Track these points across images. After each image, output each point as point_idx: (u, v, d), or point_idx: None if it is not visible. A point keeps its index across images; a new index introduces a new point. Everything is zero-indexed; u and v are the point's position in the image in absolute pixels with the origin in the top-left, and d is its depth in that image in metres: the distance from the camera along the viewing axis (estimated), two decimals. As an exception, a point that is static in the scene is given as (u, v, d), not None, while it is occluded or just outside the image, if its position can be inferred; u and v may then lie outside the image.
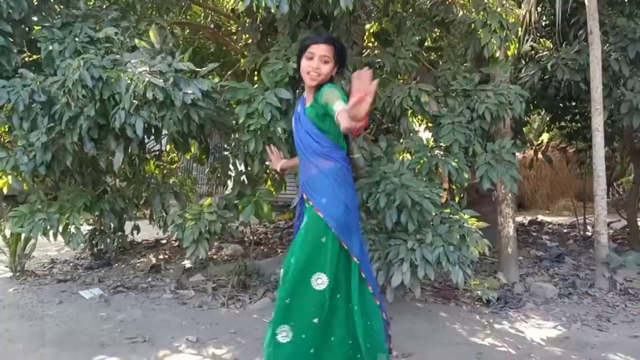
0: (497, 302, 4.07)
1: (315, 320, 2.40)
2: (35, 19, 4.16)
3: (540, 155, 7.14)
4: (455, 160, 3.73)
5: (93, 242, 5.56)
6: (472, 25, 4.08)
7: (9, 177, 4.29)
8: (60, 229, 4.07)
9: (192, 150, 5.03)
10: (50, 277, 4.99)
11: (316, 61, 2.42)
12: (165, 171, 5.54)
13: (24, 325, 3.64)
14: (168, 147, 5.65)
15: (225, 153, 4.65)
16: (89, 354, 3.11)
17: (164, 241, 6.78)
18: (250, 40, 5.20)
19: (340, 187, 2.47)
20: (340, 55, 2.50)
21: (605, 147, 4.77)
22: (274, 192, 4.87)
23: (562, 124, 6.86)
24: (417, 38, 4.41)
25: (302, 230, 2.48)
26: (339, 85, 2.55)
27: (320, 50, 2.43)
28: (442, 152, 3.84)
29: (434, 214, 3.54)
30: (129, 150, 3.98)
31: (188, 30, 6.49)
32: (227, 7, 6.16)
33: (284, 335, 2.41)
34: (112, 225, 5.25)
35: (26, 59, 4.36)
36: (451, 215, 3.66)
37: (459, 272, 3.39)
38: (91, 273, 5.06)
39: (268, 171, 4.79)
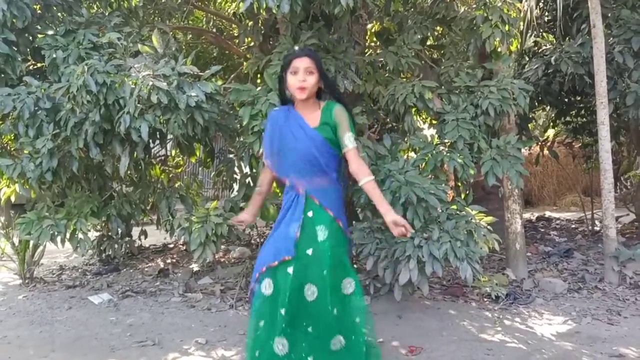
0: (506, 298, 4.05)
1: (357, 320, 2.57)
2: (38, 27, 4.19)
3: (546, 151, 7.09)
4: (460, 156, 3.71)
5: (101, 247, 5.59)
6: (474, 21, 4.07)
7: (16, 185, 4.31)
8: (68, 235, 4.09)
9: (197, 154, 5.05)
10: (59, 283, 5.01)
11: (301, 74, 2.45)
12: (171, 175, 5.56)
13: (34, 331, 3.65)
14: (173, 151, 5.68)
15: (230, 156, 4.67)
16: (99, 358, 3.12)
17: (171, 245, 6.79)
18: (252, 43, 5.23)
19: (342, 198, 2.64)
20: (321, 67, 2.54)
21: (611, 141, 4.74)
22: (279, 194, 4.87)
23: (567, 119, 6.82)
24: (419, 36, 4.41)
25: (326, 245, 2.46)
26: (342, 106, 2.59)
27: (303, 63, 2.46)
28: (446, 149, 3.83)
29: (440, 210, 3.53)
30: (135, 155, 4.00)
31: (190, 35, 6.53)
32: (229, 11, 6.19)
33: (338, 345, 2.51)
34: (120, 231, 5.27)
35: (30, 66, 4.41)
36: (458, 212, 3.65)
37: (467, 268, 3.38)
38: (100, 278, 5.07)
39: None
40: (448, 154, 3.72)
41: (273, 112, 2.71)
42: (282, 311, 2.40)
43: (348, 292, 2.52)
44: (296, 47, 2.77)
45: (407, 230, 2.35)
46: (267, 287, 2.46)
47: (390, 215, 2.38)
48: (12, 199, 4.76)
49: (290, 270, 2.42)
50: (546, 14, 6.14)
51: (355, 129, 2.68)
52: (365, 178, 2.45)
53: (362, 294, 2.64)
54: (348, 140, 2.48)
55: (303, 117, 2.53)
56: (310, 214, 2.49)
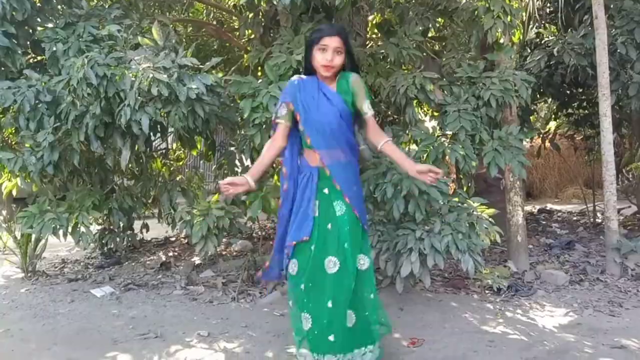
0: (508, 290, 4.05)
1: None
2: (38, 19, 4.18)
3: (548, 144, 7.08)
4: (462, 148, 3.70)
5: (103, 241, 5.59)
6: (475, 12, 4.04)
7: (18, 178, 4.31)
8: (70, 228, 4.10)
9: (198, 146, 5.04)
10: (61, 276, 5.02)
11: (330, 53, 2.46)
12: (172, 169, 5.55)
13: (37, 324, 3.66)
14: (174, 144, 5.68)
15: (231, 149, 4.66)
16: (101, 351, 3.13)
17: (173, 238, 6.80)
18: (253, 35, 5.21)
19: (358, 173, 2.72)
20: (350, 47, 2.56)
21: (613, 133, 4.72)
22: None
23: (569, 111, 6.80)
24: (420, 28, 4.39)
25: (344, 218, 2.51)
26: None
27: (333, 42, 2.46)
28: (448, 140, 3.82)
29: (441, 202, 3.53)
30: (136, 148, 4.00)
31: (191, 28, 6.51)
32: (229, 3, 6.16)
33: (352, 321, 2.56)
34: (121, 224, 5.27)
35: (31, 59, 4.39)
36: (459, 204, 3.65)
37: (469, 260, 3.38)
38: (102, 272, 5.08)
39: (275, 165, 4.79)
40: (450, 146, 3.71)
41: (299, 79, 2.63)
42: (302, 287, 2.49)
43: (362, 267, 2.58)
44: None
45: (435, 172, 2.36)
46: (293, 267, 2.55)
47: (412, 167, 2.44)
48: (14, 192, 4.77)
49: (312, 247, 2.50)
50: (548, 5, 6.11)
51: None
52: (383, 140, 2.54)
53: (374, 272, 2.71)
54: (367, 108, 2.56)
55: (325, 85, 2.56)
56: (326, 190, 2.54)
